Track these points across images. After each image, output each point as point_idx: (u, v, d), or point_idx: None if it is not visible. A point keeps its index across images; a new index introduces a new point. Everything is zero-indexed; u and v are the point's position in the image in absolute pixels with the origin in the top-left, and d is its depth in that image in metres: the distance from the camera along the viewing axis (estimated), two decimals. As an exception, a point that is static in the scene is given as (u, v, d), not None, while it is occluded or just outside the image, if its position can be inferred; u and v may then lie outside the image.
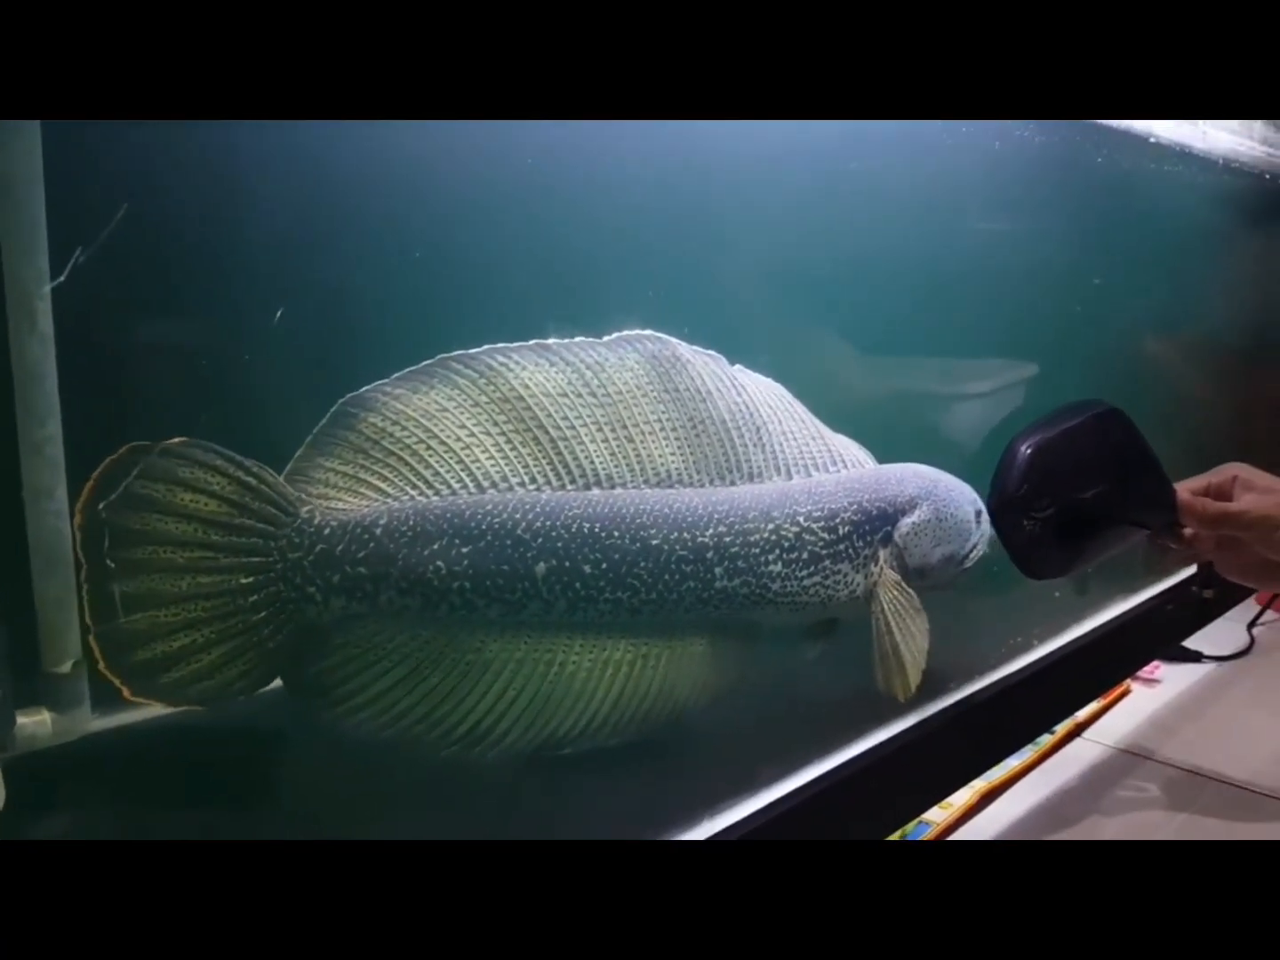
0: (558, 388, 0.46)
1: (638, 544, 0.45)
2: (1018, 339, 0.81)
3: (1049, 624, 0.79)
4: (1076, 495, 0.58)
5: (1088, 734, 0.93)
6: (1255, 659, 1.11)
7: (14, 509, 0.38)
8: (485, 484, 0.44)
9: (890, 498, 0.53)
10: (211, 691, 0.40)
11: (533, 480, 0.45)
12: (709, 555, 0.46)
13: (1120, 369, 0.94)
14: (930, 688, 0.55)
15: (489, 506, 0.43)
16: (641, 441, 0.47)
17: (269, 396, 0.45)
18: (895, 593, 0.52)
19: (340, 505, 0.43)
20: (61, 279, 0.37)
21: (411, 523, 0.42)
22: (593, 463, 0.46)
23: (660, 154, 0.55)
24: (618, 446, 0.47)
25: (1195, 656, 1.09)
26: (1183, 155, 0.93)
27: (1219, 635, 1.10)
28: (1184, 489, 0.64)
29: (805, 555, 0.49)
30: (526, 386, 0.45)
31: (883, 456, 0.57)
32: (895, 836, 0.70)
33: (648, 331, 0.48)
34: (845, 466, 0.53)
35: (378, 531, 0.42)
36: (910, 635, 0.52)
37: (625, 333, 0.48)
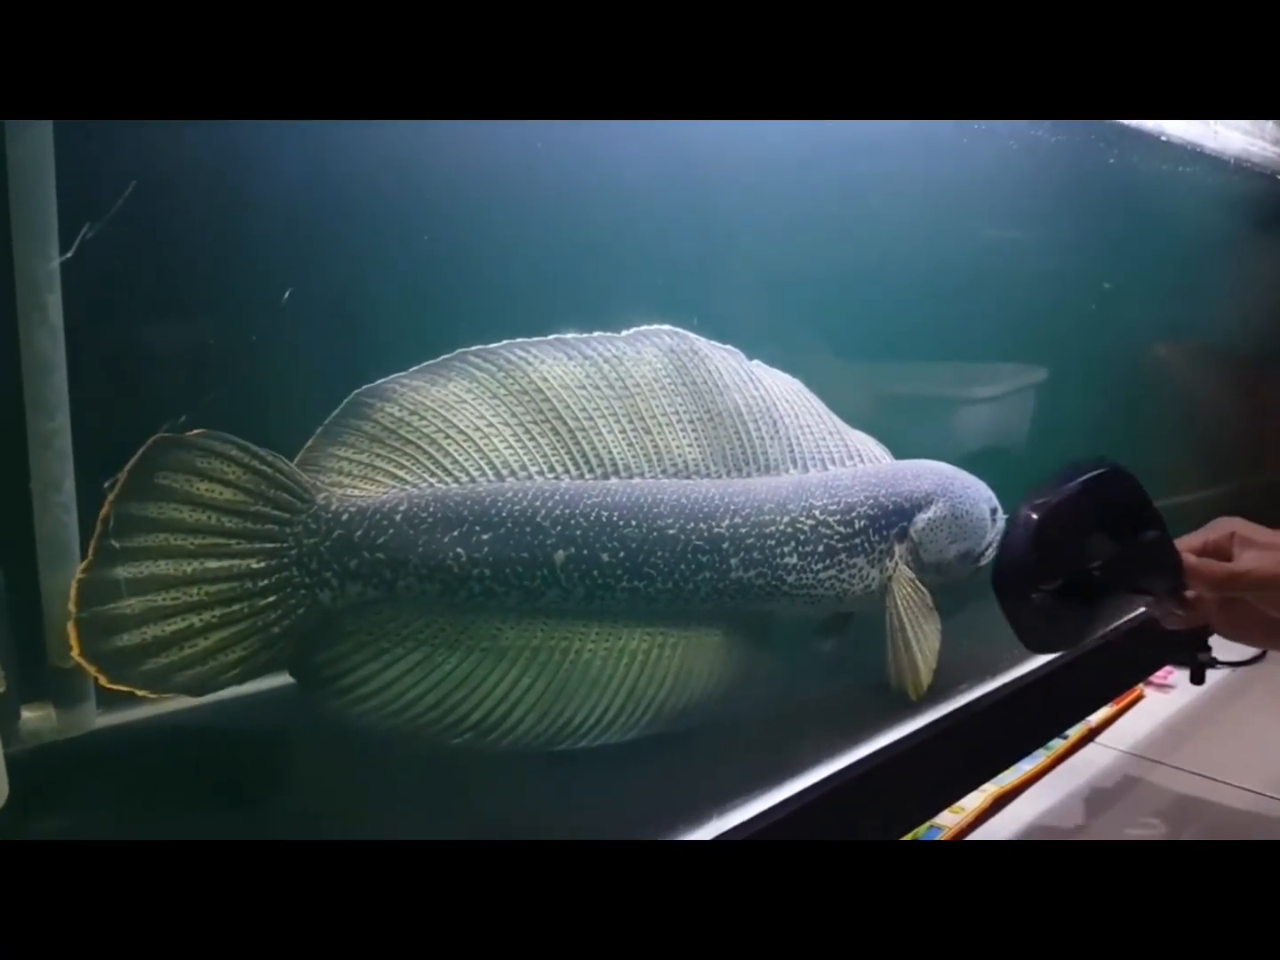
0: (576, 380, 0.46)
1: (655, 533, 0.45)
2: (1029, 338, 0.81)
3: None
4: (1084, 565, 0.55)
5: (1101, 739, 0.93)
6: (1269, 665, 1.10)
7: (22, 501, 0.38)
8: (504, 472, 0.44)
9: (906, 493, 0.53)
10: (202, 678, 0.39)
11: (551, 469, 0.45)
12: (725, 546, 0.46)
13: (1130, 369, 0.94)
14: (943, 689, 0.54)
15: (509, 494, 0.44)
16: (659, 433, 0.47)
17: (277, 389, 0.45)
18: (909, 589, 0.52)
19: (355, 493, 0.43)
20: (69, 254, 0.36)
21: (432, 509, 0.43)
22: (610, 453, 0.46)
23: (682, 153, 0.55)
24: (635, 437, 0.47)
25: (1209, 662, 1.09)
26: (1194, 155, 0.93)
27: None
28: (1184, 548, 0.60)
29: (821, 548, 0.49)
30: (545, 379, 0.46)
31: (899, 454, 0.57)
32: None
33: (665, 326, 0.49)
34: (862, 461, 0.54)
35: (398, 518, 0.42)
36: (923, 633, 0.52)
37: (643, 327, 0.48)
